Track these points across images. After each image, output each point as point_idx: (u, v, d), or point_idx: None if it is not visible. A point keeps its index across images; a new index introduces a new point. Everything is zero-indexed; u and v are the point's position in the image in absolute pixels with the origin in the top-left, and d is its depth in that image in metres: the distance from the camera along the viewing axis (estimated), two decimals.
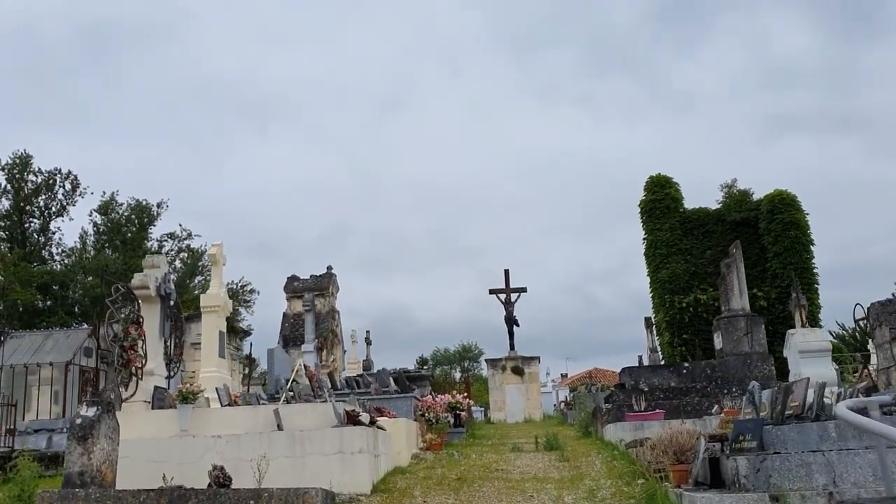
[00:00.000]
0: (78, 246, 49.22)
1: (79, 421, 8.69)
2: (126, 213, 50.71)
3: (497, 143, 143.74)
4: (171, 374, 11.99)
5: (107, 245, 49.35)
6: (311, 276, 35.56)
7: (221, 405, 10.34)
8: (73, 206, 48.77)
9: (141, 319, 10.45)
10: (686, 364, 17.40)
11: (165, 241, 51.63)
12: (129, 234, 49.85)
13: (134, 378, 10.25)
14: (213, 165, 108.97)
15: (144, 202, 50.77)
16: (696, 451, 8.24)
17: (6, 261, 43.39)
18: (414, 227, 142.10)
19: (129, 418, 10.22)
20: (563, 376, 74.54)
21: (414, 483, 10.31)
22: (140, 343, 10.42)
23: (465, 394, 27.95)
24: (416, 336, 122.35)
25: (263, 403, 10.71)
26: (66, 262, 48.26)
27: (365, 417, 10.26)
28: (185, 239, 52.24)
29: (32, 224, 48.11)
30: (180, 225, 49.54)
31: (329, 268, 36.03)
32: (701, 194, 51.83)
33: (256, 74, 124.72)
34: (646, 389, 16.44)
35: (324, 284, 35.15)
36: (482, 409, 44.03)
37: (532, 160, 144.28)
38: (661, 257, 29.85)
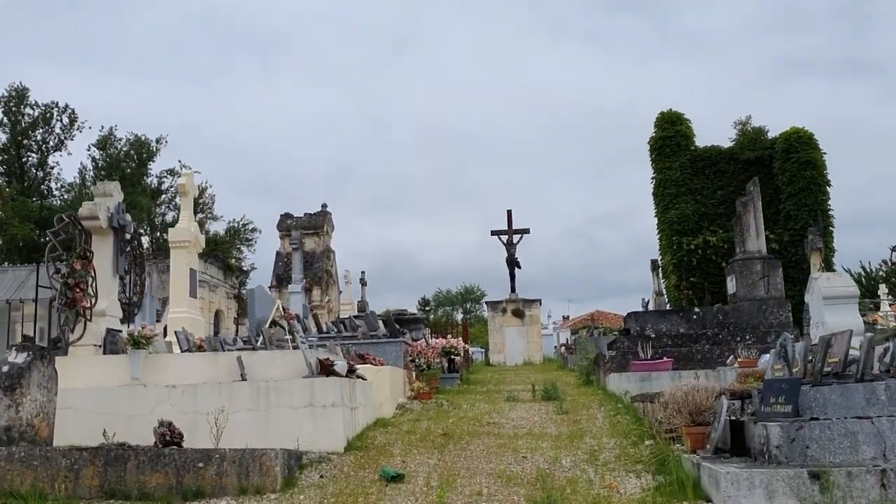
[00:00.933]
0: (77, 181, 48.60)
1: (5, 369, 7.59)
2: (125, 149, 50.27)
3: (504, 83, 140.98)
4: (133, 314, 10.88)
5: (106, 180, 48.61)
6: (305, 215, 34.35)
7: (181, 350, 9.24)
8: (72, 140, 48.22)
9: (89, 254, 9.28)
10: (696, 309, 16.28)
11: (165, 177, 51.15)
12: (129, 170, 49.19)
13: (81, 319, 9.13)
14: (216, 102, 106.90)
15: (143, 137, 50.26)
16: (716, 412, 7.11)
17: (4, 195, 43.13)
18: (418, 168, 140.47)
19: (75, 365, 9.14)
20: (565, 318, 73.93)
21: (395, 439, 9.25)
22: (89, 281, 9.28)
23: (462, 337, 27.07)
24: (419, 278, 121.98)
25: (229, 349, 9.60)
26: (65, 197, 47.61)
27: (341, 366, 9.15)
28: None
29: (30, 158, 47.46)
30: (179, 161, 48.71)
31: (324, 206, 34.80)
32: (713, 133, 50.20)
33: (262, 9, 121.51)
34: (653, 336, 15.35)
35: (318, 223, 33.96)
36: (482, 350, 43.35)
37: (538, 100, 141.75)
38: (670, 197, 28.53)
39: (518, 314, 33.89)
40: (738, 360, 12.70)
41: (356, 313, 23.69)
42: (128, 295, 10.59)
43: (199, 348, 9.76)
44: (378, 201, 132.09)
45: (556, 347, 46.23)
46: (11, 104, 46.05)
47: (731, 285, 16.65)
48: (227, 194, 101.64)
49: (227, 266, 39.25)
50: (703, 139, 29.22)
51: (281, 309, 12.01)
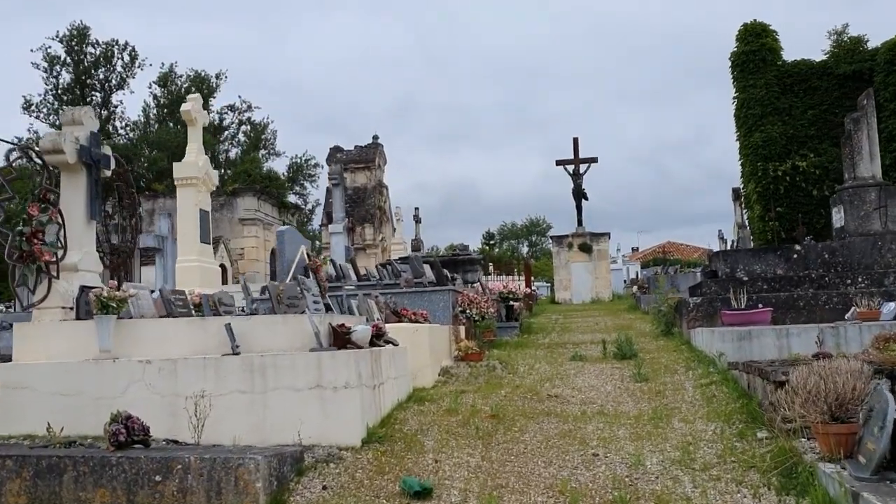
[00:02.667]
0: (141, 119, 48.60)
1: None
2: (185, 85, 49.42)
3: (568, 6, 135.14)
4: (123, 265, 9.18)
5: (167, 117, 48.74)
6: (356, 147, 32.39)
7: (159, 315, 7.46)
8: (133, 78, 47.69)
9: (51, 196, 7.52)
10: (797, 247, 13.85)
11: (226, 113, 50.94)
12: None
13: (45, 276, 7.43)
14: (275, 38, 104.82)
15: (203, 73, 49.64)
16: (871, 407, 4.97)
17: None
18: (482, 99, 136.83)
19: (38, 333, 7.47)
20: (634, 250, 71.16)
21: (430, 422, 7.36)
22: (56, 228, 7.56)
23: (525, 278, 25.07)
24: (483, 211, 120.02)
25: (228, 311, 7.78)
26: (130, 135, 47.78)
27: (362, 333, 7.25)
28: (246, 111, 51.61)
29: (94, 98, 46.90)
30: (239, 97, 47.89)
31: (375, 137, 32.72)
32: (803, 46, 46.03)
33: None
34: (745, 279, 13.04)
35: (369, 156, 31.99)
36: (548, 284, 41.33)
37: (605, 23, 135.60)
38: (755, 118, 25.60)
39: (585, 249, 31.67)
40: (858, 310, 10.39)
41: (407, 254, 21.89)
42: (112, 244, 8.86)
43: (198, 308, 7.96)
44: (441, 134, 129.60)
45: (625, 282, 43.91)
46: (73, 43, 45.67)
47: (837, 218, 14.15)
48: (288, 130, 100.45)
49: (282, 203, 37.92)
50: (791, 53, 26.12)
51: (306, 255, 10.13)
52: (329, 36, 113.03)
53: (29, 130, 45.38)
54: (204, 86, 49.22)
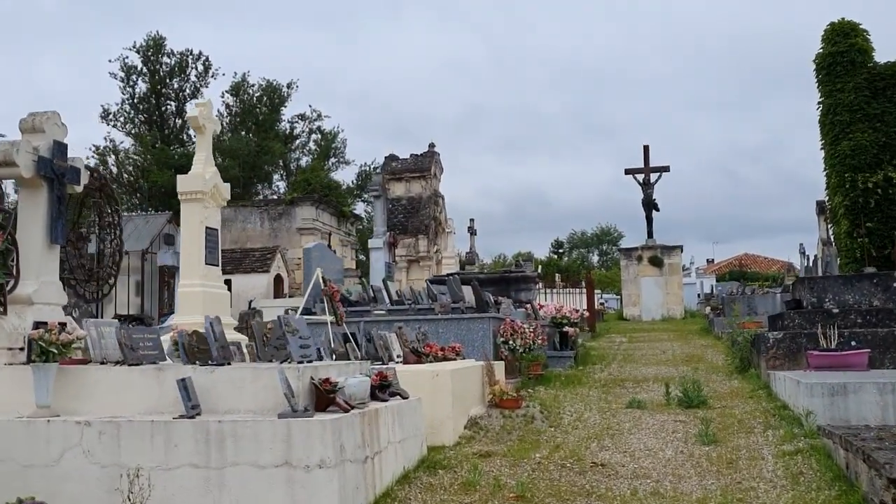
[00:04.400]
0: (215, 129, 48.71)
1: None
2: (257, 94, 50.21)
3: (638, 13, 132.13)
4: (100, 294, 7.99)
5: (240, 126, 49.28)
6: (411, 156, 31.13)
7: (112, 362, 6.19)
8: (206, 87, 47.94)
9: None
10: None
11: (296, 122, 51.40)
12: (261, 116, 49.58)
13: None
14: (345, 48, 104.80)
15: (275, 83, 50.05)
16: None
17: (145, 142, 44.12)
18: (551, 105, 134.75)
19: None
20: (709, 262, 68.27)
21: None
22: (6, 253, 6.41)
23: (587, 295, 23.31)
24: (552, 219, 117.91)
25: (199, 364, 6.45)
26: None
27: (356, 387, 5.86)
28: (316, 120, 51.81)
29: (169, 107, 47.54)
30: (310, 106, 48.25)
31: (431, 146, 31.39)
32: None
33: None
34: (835, 311, 11.20)
35: (425, 165, 30.68)
36: (617, 297, 39.35)
37: (676, 29, 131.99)
38: (842, 125, 23.28)
39: (656, 262, 29.78)
40: None
41: (455, 271, 20.46)
42: (88, 271, 7.69)
43: (196, 351, 6.60)
44: (509, 141, 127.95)
45: (699, 297, 41.56)
46: (150, 53, 46.17)
47: None
48: (359, 139, 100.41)
49: (341, 212, 37.12)
50: (883, 54, 23.67)
51: (321, 278, 8.83)
52: (399, 44, 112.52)
53: (105, 139, 46.44)
54: (275, 95, 50.23)
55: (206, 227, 9.87)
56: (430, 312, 11.75)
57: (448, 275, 16.59)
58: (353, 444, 5.50)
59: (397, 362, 8.39)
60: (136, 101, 46.82)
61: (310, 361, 6.13)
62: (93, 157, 47.66)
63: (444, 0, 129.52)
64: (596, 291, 28.57)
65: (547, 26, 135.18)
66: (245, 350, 7.30)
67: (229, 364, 6.12)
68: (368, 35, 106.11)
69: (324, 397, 5.67)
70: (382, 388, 6.66)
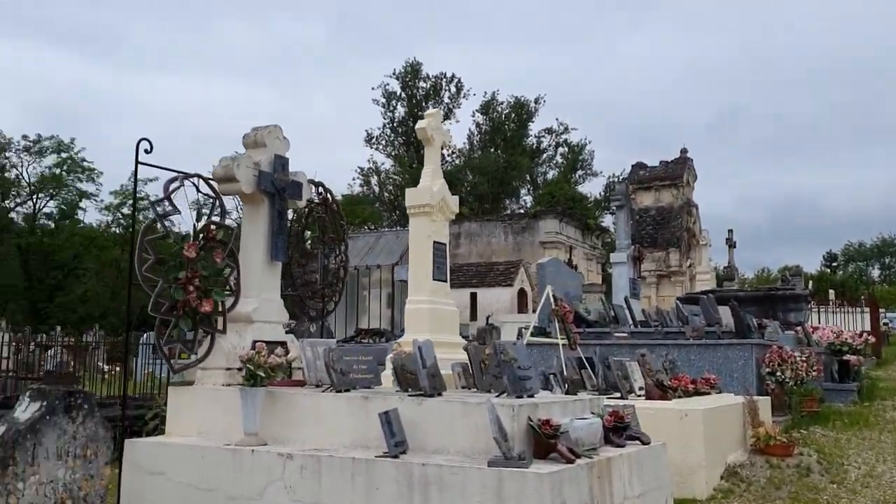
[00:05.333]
0: (466, 146, 51.31)
1: (1, 431, 4.71)
2: (506, 111, 51.82)
3: None
4: (324, 313, 7.68)
5: (489, 143, 50.84)
6: (661, 163, 29.30)
7: (324, 386, 5.72)
8: (458, 108, 50.68)
9: (212, 232, 6.21)
10: None
11: (543, 136, 52.37)
12: (510, 133, 51.24)
13: (207, 329, 6.12)
14: (589, 60, 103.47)
15: (522, 99, 51.39)
16: None
17: (403, 163, 47.74)
18: (814, 105, 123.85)
19: (192, 400, 6.15)
20: None
21: None
22: (227, 272, 6.25)
23: (871, 318, 20.28)
24: (822, 228, 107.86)
25: (391, 394, 5.82)
26: (455, 162, 50.20)
27: (583, 430, 4.92)
28: (563, 133, 52.26)
29: None
30: (556, 119, 48.73)
31: (683, 151, 29.33)
32: None
33: None
34: None
35: (676, 172, 28.71)
36: None
37: None
38: None
39: None
40: None
41: (710, 288, 18.60)
42: (309, 287, 7.41)
43: (408, 377, 6.05)
44: (768, 145, 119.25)
45: None
46: (407, 78, 49.50)
47: None
48: (606, 150, 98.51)
49: (586, 225, 36.18)
50: None
51: (551, 297, 8.01)
52: (642, 52, 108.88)
53: (368, 161, 49.82)
54: (523, 111, 51.42)
55: (434, 242, 9.37)
56: (679, 337, 10.42)
57: (702, 292, 14.99)
58: (577, 501, 4.55)
59: (638, 396, 7.28)
60: (395, 124, 50.33)
61: (530, 395, 5.27)
62: (358, 177, 51.18)
63: (686, 5, 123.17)
64: (879, 310, 25.00)
65: (804, 22, 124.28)
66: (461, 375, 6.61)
67: (440, 395, 5.42)
68: (611, 45, 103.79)
69: (543, 442, 4.77)
70: (617, 431, 5.62)
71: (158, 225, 6.09)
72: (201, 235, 6.18)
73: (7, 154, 46.02)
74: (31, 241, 45.16)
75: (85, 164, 47.27)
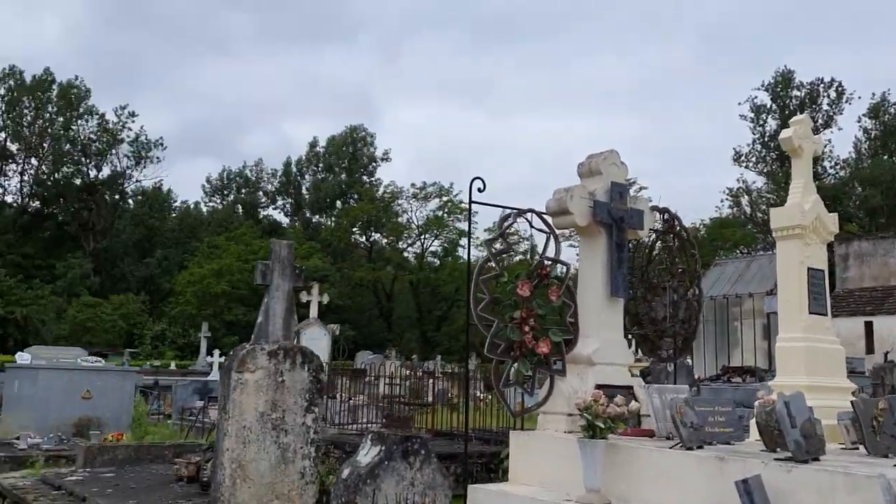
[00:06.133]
0: (852, 156, 47.65)
1: (345, 474, 4.81)
2: None
3: None
4: (669, 355, 6.85)
5: (881, 150, 45.82)
6: None
7: (667, 437, 5.00)
8: (840, 114, 47.19)
9: (546, 269, 5.86)
10: None
11: None
12: None
13: (546, 372, 5.78)
14: None
15: None
16: None
17: (777, 180, 44.05)
18: None
19: (533, 446, 5.85)
20: None
21: None
22: (567, 310, 5.87)
23: None
24: None
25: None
26: (839, 174, 47.35)
27: None
28: None
29: None
30: None
31: None
32: None
33: None
34: None
35: None
36: None
37: None
38: None
39: None
40: None
41: None
42: (657, 327, 6.70)
43: (776, 435, 5.19)
44: None
45: None
46: (778, 89, 46.89)
47: None
48: None
49: None
50: None
51: None
52: None
53: (738, 180, 47.34)
54: None
55: (808, 269, 8.10)
56: None
57: None
58: None
59: None
60: (766, 139, 47.11)
61: None
62: (726, 199, 48.59)
63: None
64: None
65: None
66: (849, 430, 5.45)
67: (816, 460, 4.45)
68: None
69: None
70: None
71: (493, 263, 5.97)
72: (535, 273, 5.93)
73: (399, 201, 52.44)
74: (420, 276, 50.31)
75: (462, 205, 51.48)
